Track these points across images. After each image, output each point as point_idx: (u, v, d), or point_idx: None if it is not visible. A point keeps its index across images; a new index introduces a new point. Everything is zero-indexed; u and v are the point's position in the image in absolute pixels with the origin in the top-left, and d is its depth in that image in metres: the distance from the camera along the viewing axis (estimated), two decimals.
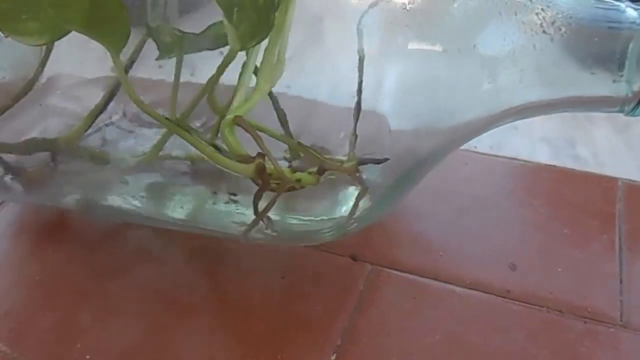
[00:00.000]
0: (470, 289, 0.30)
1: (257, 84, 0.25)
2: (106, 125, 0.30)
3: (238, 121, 0.24)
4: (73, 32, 0.24)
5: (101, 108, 0.29)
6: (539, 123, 0.41)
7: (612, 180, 0.37)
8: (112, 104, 0.29)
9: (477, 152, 0.39)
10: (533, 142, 0.40)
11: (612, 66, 0.24)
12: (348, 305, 0.30)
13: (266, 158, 0.24)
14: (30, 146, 0.30)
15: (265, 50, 0.25)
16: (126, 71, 0.28)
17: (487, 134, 0.40)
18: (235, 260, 0.32)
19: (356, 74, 0.26)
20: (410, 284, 0.30)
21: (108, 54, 0.25)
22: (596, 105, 0.26)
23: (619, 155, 0.39)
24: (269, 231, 0.28)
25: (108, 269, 0.31)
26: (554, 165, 0.38)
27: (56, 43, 0.28)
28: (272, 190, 0.25)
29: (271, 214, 0.28)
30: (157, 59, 0.28)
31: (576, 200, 0.35)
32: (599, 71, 0.25)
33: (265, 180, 0.24)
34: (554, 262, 0.31)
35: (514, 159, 0.38)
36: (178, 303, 0.30)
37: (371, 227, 0.33)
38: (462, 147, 0.39)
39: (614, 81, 0.24)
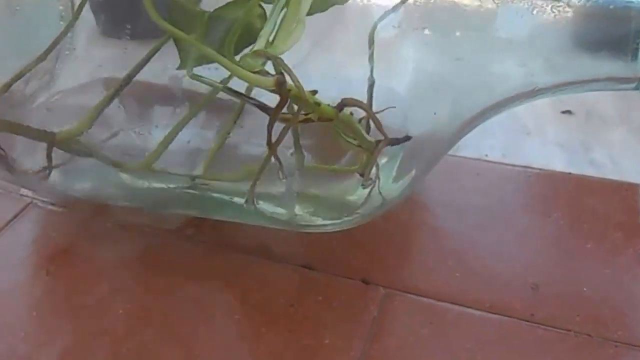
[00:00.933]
0: (491, 312, 0.28)
1: (274, 41, 0.24)
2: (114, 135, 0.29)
3: (259, 52, 0.23)
4: None
5: (104, 106, 0.28)
6: (551, 127, 0.39)
7: (633, 187, 0.35)
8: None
9: (489, 161, 0.37)
10: (546, 148, 0.38)
11: (628, 43, 0.24)
12: (361, 334, 0.28)
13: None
14: (29, 133, 0.28)
15: (288, 8, 0.24)
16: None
17: (498, 141, 0.39)
18: (242, 290, 0.30)
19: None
20: (426, 308, 0.29)
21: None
22: (612, 83, 0.26)
23: (636, 158, 0.37)
24: (280, 175, 0.26)
25: (105, 303, 0.29)
26: (570, 173, 0.36)
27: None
28: (286, 120, 0.24)
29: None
30: (178, 68, 0.27)
31: (597, 210, 0.33)
32: (614, 48, 0.25)
33: (284, 95, 0.23)
34: (578, 281, 0.29)
35: (527, 167, 0.36)
36: (183, 336, 0.28)
37: (382, 247, 0.32)
38: (473, 157, 0.37)
39: (630, 60, 0.24)
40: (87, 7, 0.28)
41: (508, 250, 0.31)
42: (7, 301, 0.30)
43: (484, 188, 0.35)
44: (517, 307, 0.28)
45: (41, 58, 0.28)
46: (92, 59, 0.30)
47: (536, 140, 0.38)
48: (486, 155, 0.37)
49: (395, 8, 0.26)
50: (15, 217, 0.34)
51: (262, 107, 0.24)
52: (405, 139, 0.26)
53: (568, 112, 0.41)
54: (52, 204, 0.35)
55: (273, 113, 0.24)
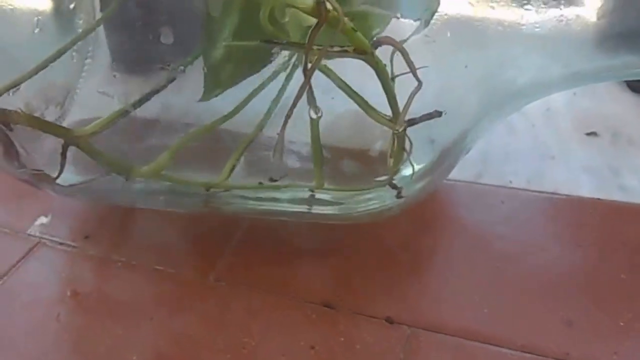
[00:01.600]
0: (524, 352, 0.27)
1: None
2: None
3: None
4: None
5: (126, 111, 0.27)
6: (576, 151, 0.38)
7: None
8: None
9: (514, 188, 0.36)
10: (572, 172, 0.36)
11: None
12: None
13: None
14: (47, 128, 0.27)
15: None
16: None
17: (522, 166, 0.37)
18: (262, 330, 0.28)
19: None
20: (455, 348, 0.27)
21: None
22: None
23: None
24: (311, 113, 0.26)
25: (117, 350, 0.28)
26: (600, 199, 0.34)
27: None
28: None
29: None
30: (201, 100, 0.27)
31: (629, 238, 0.32)
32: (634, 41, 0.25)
33: (322, 16, 0.23)
34: (614, 315, 0.28)
35: (554, 193, 0.35)
36: None
37: (405, 283, 0.30)
38: (497, 184, 0.36)
39: None
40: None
41: (537, 282, 0.30)
42: (17, 346, 0.29)
43: (510, 216, 0.34)
44: (551, 345, 0.27)
45: (41, 67, 0.27)
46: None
47: (561, 164, 0.37)
48: (510, 182, 0.36)
49: (417, 31, 0.25)
50: (23, 257, 0.33)
51: (295, 44, 0.25)
52: (436, 114, 0.26)
53: (593, 133, 0.39)
54: (61, 243, 0.34)
55: (311, 34, 0.23)
